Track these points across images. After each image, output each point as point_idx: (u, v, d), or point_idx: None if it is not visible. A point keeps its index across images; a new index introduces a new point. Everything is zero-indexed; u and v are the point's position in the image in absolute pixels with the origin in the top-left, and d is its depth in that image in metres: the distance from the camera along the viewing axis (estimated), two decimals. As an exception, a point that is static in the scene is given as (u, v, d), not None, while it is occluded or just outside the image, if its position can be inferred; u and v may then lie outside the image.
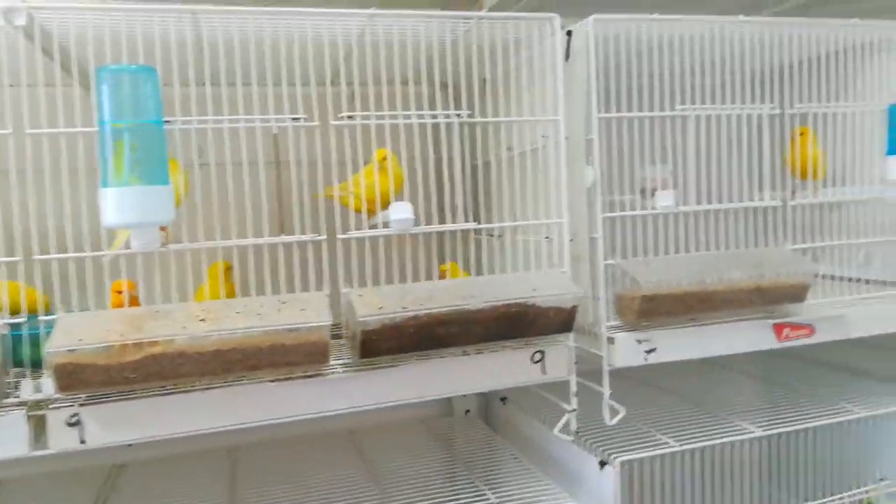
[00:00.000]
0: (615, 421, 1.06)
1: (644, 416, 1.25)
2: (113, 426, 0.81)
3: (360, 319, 0.85)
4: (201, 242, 0.86)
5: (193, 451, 1.31)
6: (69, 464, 1.22)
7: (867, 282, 1.25)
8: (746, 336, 1.10)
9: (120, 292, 0.89)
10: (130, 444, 0.86)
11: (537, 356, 0.99)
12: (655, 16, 1.04)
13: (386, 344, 0.88)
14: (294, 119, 0.89)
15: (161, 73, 0.79)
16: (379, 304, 0.87)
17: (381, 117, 0.93)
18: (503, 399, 1.47)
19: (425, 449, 1.33)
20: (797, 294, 1.10)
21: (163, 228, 0.84)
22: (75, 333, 0.76)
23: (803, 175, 1.22)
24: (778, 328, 1.12)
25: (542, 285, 0.95)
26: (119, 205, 0.76)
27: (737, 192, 1.14)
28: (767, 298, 1.08)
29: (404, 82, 0.97)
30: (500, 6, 1.27)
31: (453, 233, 1.04)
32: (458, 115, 0.96)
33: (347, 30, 0.94)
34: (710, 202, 1.12)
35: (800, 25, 1.13)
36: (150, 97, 0.77)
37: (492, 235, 1.21)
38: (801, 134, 1.20)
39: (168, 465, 1.27)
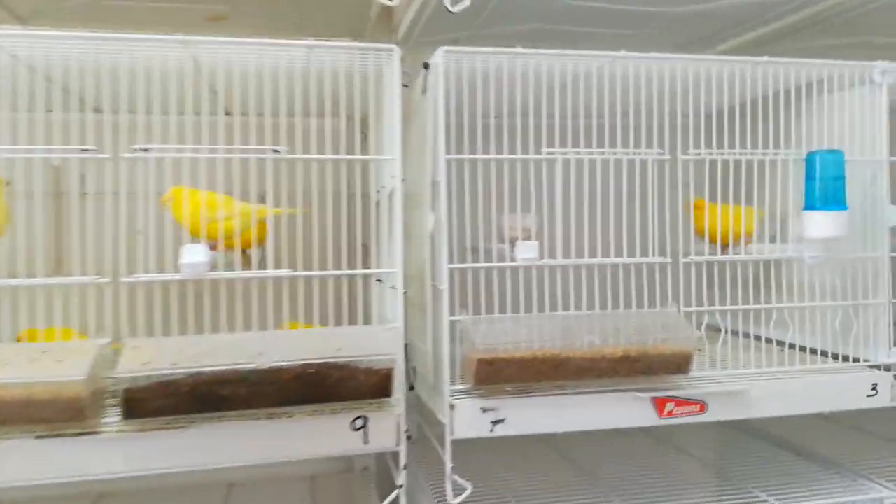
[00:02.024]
0: (458, 501, 0.94)
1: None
2: None
3: (118, 376, 0.76)
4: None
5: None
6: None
7: (790, 346, 1.09)
8: (618, 411, 0.96)
9: None
10: None
11: (359, 422, 0.88)
12: (517, 49, 0.94)
13: (155, 404, 0.78)
14: (84, 150, 0.82)
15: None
16: (149, 358, 0.78)
17: (182, 151, 0.85)
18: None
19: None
20: (677, 364, 0.96)
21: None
22: None
23: (713, 240, 1.09)
24: (659, 403, 0.98)
25: (353, 343, 0.84)
26: None
27: (627, 245, 1.02)
28: (637, 368, 0.94)
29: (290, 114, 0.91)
30: (414, 37, 1.20)
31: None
32: (276, 151, 0.88)
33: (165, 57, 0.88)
34: (592, 256, 1.00)
35: (709, 63, 1.01)
36: None
37: (380, 281, 1.11)
38: (697, 208, 1.09)
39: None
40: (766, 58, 1.03)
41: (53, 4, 1.12)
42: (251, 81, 0.95)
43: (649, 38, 1.30)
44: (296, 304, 0.91)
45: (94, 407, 0.78)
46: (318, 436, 0.87)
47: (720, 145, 1.04)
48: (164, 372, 0.77)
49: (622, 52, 0.97)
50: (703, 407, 0.99)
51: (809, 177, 1.02)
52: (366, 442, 0.89)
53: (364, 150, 1.18)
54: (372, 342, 0.84)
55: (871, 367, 1.08)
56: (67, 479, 0.79)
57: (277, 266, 0.90)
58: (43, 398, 0.75)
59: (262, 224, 1.00)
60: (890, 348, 1.08)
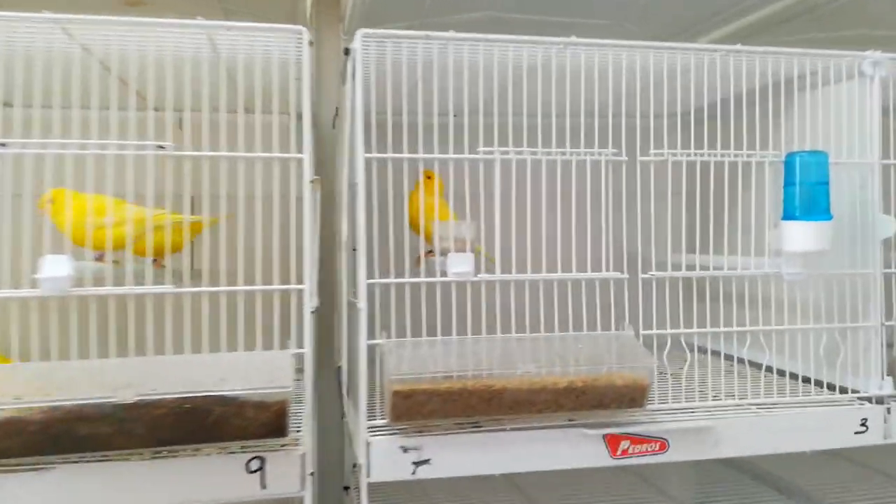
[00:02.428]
0: (378, 551, 0.81)
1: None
2: None
3: (-49, 411, 0.64)
4: None
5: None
6: None
7: (767, 370, 0.95)
8: (565, 449, 0.83)
9: None
10: None
11: (254, 464, 0.76)
12: (450, 33, 0.82)
13: (5, 443, 0.66)
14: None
15: None
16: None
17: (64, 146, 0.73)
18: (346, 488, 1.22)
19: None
20: (631, 397, 0.83)
21: None
22: None
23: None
24: (612, 440, 0.85)
25: (240, 373, 0.72)
26: None
27: (577, 259, 0.89)
28: (585, 401, 0.81)
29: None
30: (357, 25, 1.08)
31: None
32: (161, 147, 0.75)
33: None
34: (536, 270, 0.88)
35: (676, 52, 0.89)
36: None
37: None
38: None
39: None
40: (738, 45, 0.90)
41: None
42: (150, 71, 0.83)
43: (623, 30, 1.18)
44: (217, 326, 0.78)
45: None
46: (208, 479, 0.74)
47: (686, 146, 0.91)
48: (3, 407, 0.64)
49: (573, 39, 0.85)
50: (663, 445, 0.86)
51: (788, 182, 0.89)
52: (263, 486, 0.76)
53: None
54: (264, 372, 0.72)
55: (861, 398, 0.95)
56: None
57: (213, 278, 0.78)
58: None
59: (178, 229, 0.88)
60: (882, 378, 0.95)
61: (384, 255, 0.84)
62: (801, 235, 0.88)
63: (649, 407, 0.87)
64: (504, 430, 0.82)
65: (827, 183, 0.89)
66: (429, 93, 0.86)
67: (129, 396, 0.67)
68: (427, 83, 0.87)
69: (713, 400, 0.93)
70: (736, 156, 0.92)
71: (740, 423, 0.88)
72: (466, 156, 0.84)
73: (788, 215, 0.89)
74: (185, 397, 0.69)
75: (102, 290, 0.73)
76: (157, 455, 0.73)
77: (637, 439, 0.86)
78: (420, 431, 0.81)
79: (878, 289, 0.95)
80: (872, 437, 0.92)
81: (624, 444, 0.85)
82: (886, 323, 0.96)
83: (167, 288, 0.75)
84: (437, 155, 0.84)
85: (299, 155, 0.78)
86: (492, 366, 0.79)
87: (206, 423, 0.70)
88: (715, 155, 0.93)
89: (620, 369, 0.81)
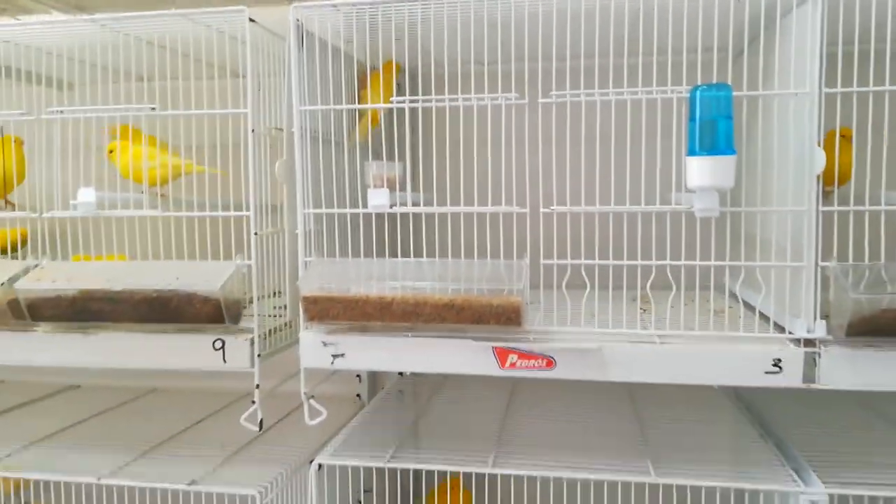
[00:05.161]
0: (315, 422, 1.04)
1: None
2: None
3: (19, 288, 1.00)
4: None
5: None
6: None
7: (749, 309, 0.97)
8: (459, 357, 0.97)
9: None
10: None
11: (217, 344, 1.03)
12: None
13: (48, 312, 1.02)
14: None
15: None
16: (46, 277, 1.01)
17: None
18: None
19: None
20: (507, 316, 0.93)
21: None
22: None
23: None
24: (501, 353, 0.96)
25: (190, 275, 0.98)
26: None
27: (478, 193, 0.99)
28: (466, 317, 0.94)
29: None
30: None
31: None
32: (153, 109, 1.03)
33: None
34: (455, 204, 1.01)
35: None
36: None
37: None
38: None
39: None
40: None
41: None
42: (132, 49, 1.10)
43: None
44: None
45: (16, 310, 1.03)
46: (188, 351, 1.04)
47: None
48: (45, 287, 0.99)
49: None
50: (550, 363, 0.95)
51: (691, 118, 0.89)
52: (224, 361, 1.03)
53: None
54: (205, 276, 0.98)
55: (793, 340, 0.93)
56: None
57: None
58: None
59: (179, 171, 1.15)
60: (815, 320, 0.91)
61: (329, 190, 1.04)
62: (699, 171, 0.88)
63: (539, 327, 0.96)
64: (405, 335, 0.98)
65: (730, 117, 0.87)
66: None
67: (116, 286, 0.97)
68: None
69: (613, 328, 0.97)
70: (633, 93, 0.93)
71: (629, 348, 0.93)
72: (394, 105, 0.99)
73: (693, 150, 0.89)
74: (154, 289, 0.97)
75: (116, 213, 1.04)
76: (158, 332, 1.03)
77: (524, 355, 0.96)
78: (335, 332, 1.00)
79: (814, 227, 0.90)
80: (786, 380, 0.90)
81: (512, 358, 0.96)
82: (822, 263, 0.90)
83: (154, 212, 1.04)
84: (357, 105, 1.00)
85: (244, 110, 1.00)
86: (384, 281, 0.95)
87: (169, 308, 0.98)
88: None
89: (493, 291, 0.92)
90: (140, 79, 1.30)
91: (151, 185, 1.08)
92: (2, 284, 1.02)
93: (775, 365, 0.91)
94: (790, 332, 0.94)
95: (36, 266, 1.06)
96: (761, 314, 1.04)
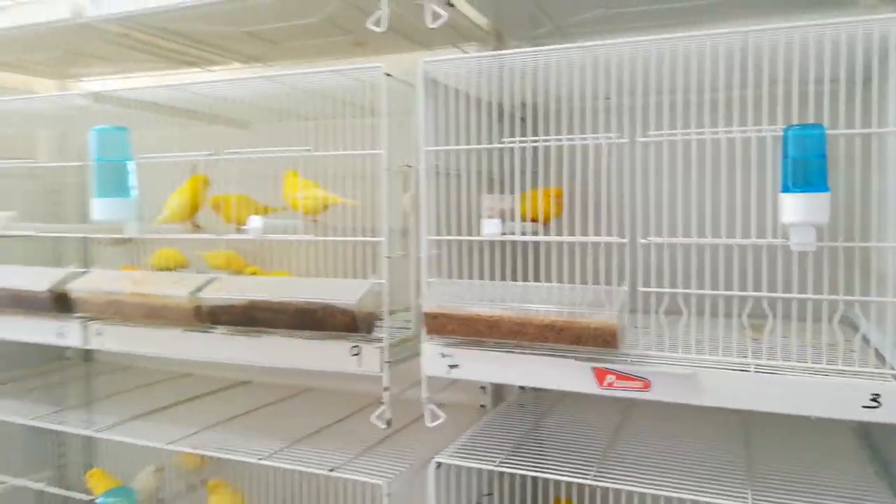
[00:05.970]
0: (434, 424, 1.18)
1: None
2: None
3: (202, 296, 1.24)
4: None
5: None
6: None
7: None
8: (559, 373, 1.07)
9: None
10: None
11: (354, 350, 1.20)
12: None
13: (225, 318, 1.24)
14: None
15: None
16: (223, 288, 1.24)
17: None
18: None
19: None
20: (603, 338, 1.01)
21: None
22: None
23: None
24: (599, 373, 1.04)
25: (332, 292, 1.16)
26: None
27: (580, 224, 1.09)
28: (563, 337, 1.03)
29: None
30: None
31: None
32: (308, 150, 1.23)
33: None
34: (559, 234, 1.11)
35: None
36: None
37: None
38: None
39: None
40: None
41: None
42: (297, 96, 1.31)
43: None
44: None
45: (200, 315, 1.27)
46: (331, 355, 1.22)
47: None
48: (219, 297, 1.21)
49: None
50: (647, 384, 1.02)
51: (784, 155, 0.93)
52: (360, 365, 1.20)
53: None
54: (345, 292, 1.15)
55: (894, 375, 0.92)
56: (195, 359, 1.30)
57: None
58: (167, 305, 1.27)
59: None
60: (908, 355, 0.90)
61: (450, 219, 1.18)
62: (793, 207, 0.92)
63: (638, 351, 1.03)
64: (512, 351, 1.09)
65: (823, 156, 0.90)
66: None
67: (275, 298, 1.18)
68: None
69: (710, 354, 1.02)
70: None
71: (723, 374, 0.98)
72: (506, 144, 1.12)
73: (786, 187, 0.93)
74: (304, 301, 1.16)
75: (276, 237, 1.25)
76: (309, 338, 1.23)
77: (622, 376, 1.03)
78: (452, 345, 1.13)
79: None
80: (885, 415, 0.90)
81: (609, 378, 1.04)
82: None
83: (303, 236, 1.23)
84: (476, 145, 1.13)
85: (380, 151, 1.17)
86: (494, 301, 1.07)
87: (315, 318, 1.17)
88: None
89: (592, 315, 1.01)
90: (302, 117, 1.51)
91: (305, 213, 1.28)
92: (191, 293, 1.26)
93: (873, 399, 0.91)
94: (892, 367, 0.94)
95: (215, 279, 1.29)
96: (876, 350, 1.03)
